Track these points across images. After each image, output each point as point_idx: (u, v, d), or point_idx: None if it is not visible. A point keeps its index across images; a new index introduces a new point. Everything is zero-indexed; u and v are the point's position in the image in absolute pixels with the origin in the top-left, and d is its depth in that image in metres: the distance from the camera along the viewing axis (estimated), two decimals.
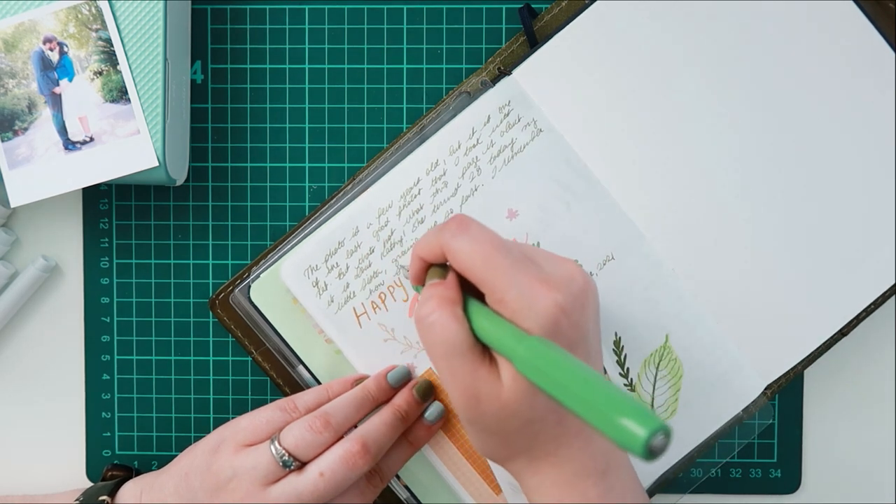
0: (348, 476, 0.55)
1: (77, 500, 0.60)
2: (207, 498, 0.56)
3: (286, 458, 0.55)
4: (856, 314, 0.63)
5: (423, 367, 0.60)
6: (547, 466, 0.51)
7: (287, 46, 0.65)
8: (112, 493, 0.60)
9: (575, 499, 0.51)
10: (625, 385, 0.61)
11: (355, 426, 0.58)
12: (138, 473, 0.64)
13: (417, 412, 0.59)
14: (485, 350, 0.50)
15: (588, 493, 0.51)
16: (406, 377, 0.60)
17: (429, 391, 0.60)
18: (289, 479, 0.55)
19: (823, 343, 0.63)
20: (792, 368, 0.63)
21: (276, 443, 0.56)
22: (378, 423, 0.57)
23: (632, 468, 0.53)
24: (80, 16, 0.59)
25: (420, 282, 0.55)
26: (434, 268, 0.53)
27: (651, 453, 0.41)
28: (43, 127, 0.59)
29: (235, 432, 0.57)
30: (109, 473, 0.65)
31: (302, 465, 0.56)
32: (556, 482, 0.51)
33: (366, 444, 0.56)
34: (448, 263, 0.53)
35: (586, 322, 0.50)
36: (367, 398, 0.58)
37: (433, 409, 0.60)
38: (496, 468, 0.60)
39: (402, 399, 0.59)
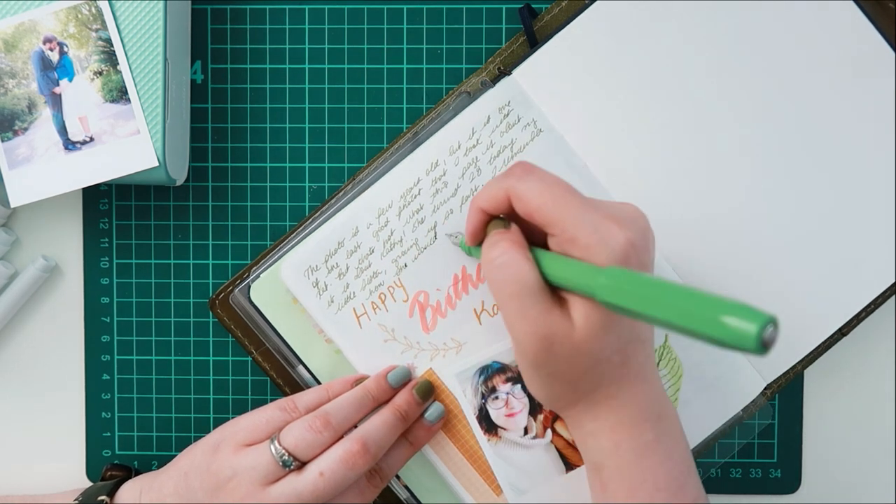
0: (348, 476, 0.55)
1: (76, 499, 0.60)
2: (207, 498, 0.56)
3: (286, 457, 0.55)
4: (855, 313, 0.63)
5: (423, 367, 0.60)
6: (606, 411, 0.53)
7: (287, 46, 0.65)
8: (111, 492, 0.60)
9: (632, 442, 0.52)
10: None
11: (355, 426, 0.58)
12: (138, 473, 0.64)
13: (417, 412, 0.59)
14: (554, 292, 0.51)
15: (645, 436, 0.52)
16: (406, 377, 0.60)
17: (429, 391, 0.60)
18: (288, 479, 0.55)
19: (823, 343, 0.63)
20: (791, 368, 0.63)
21: (276, 442, 0.56)
22: (378, 424, 0.57)
23: (679, 419, 0.55)
24: (80, 16, 0.59)
25: (478, 238, 0.55)
26: (494, 220, 0.54)
27: (764, 346, 0.41)
28: (43, 127, 0.59)
29: (235, 432, 0.57)
30: (109, 473, 0.65)
31: (302, 464, 0.56)
32: (615, 426, 0.53)
33: (366, 443, 0.56)
34: (500, 216, 0.54)
35: (649, 260, 0.52)
36: (367, 398, 0.58)
37: (433, 410, 0.60)
38: (497, 468, 0.60)
39: (402, 399, 0.59)
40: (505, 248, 0.51)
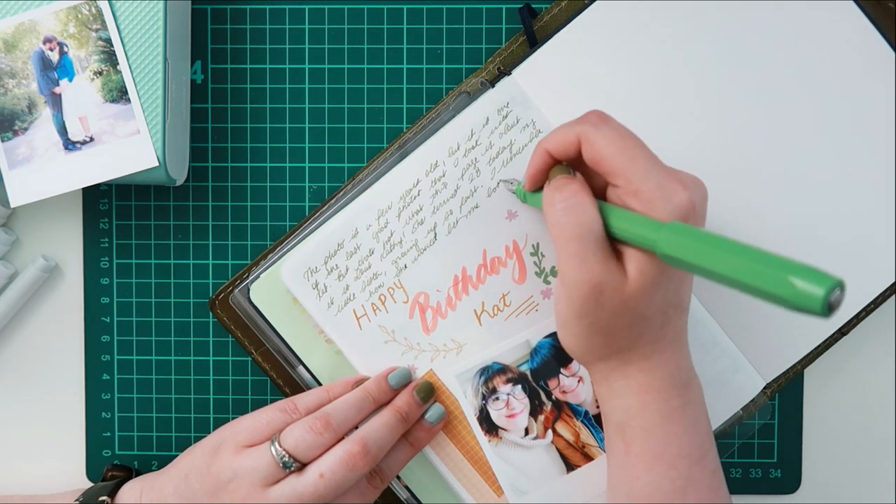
0: (348, 477, 0.55)
1: (77, 500, 0.60)
2: (207, 499, 0.56)
3: (286, 459, 0.55)
4: (855, 313, 0.63)
5: (423, 367, 0.60)
6: (636, 371, 0.53)
7: (287, 46, 0.65)
8: (112, 493, 0.60)
9: (659, 404, 0.53)
10: None
11: (356, 427, 0.58)
12: (138, 474, 0.64)
13: (418, 413, 0.59)
14: (612, 246, 0.51)
15: (672, 402, 0.53)
16: (407, 379, 0.60)
17: (430, 392, 0.60)
18: (289, 480, 0.55)
19: (823, 342, 0.63)
20: (791, 367, 0.63)
21: (277, 444, 0.56)
22: (379, 425, 0.57)
23: (703, 393, 0.55)
24: (80, 16, 0.59)
25: (539, 181, 0.55)
26: (557, 166, 0.54)
27: (829, 309, 0.41)
28: (43, 127, 0.59)
29: (235, 433, 0.57)
30: (109, 474, 0.65)
31: (302, 465, 0.56)
32: (643, 387, 0.53)
33: (366, 445, 0.56)
34: (562, 163, 0.54)
35: (703, 223, 0.52)
36: (367, 399, 0.58)
37: (434, 411, 0.60)
38: (498, 469, 0.60)
39: (402, 400, 0.59)
40: (574, 189, 0.51)
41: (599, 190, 0.53)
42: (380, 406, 0.59)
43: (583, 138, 0.52)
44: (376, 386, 0.59)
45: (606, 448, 0.56)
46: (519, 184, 0.59)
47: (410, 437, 0.60)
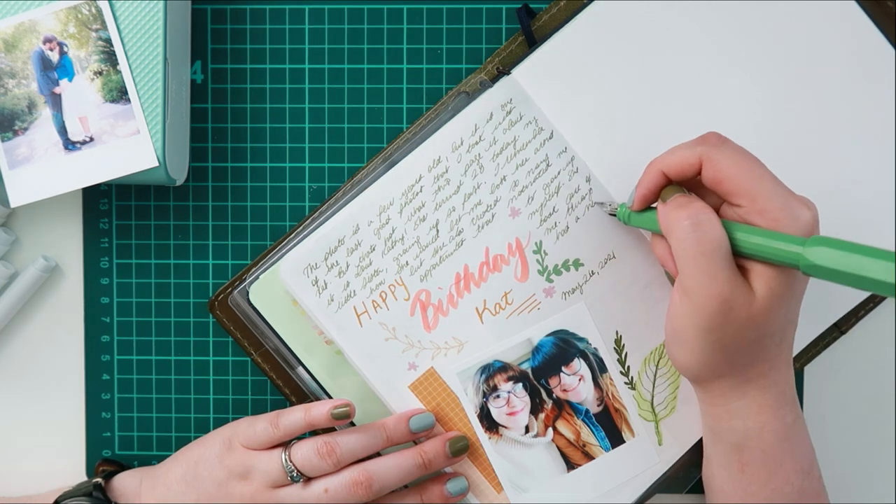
0: (348, 499, 0.57)
1: (66, 490, 0.61)
2: (212, 488, 0.57)
3: (294, 473, 0.57)
4: (852, 308, 0.63)
5: (424, 366, 0.60)
6: (754, 389, 0.54)
7: (287, 46, 0.65)
8: (106, 480, 0.61)
9: (776, 424, 0.55)
10: (625, 384, 0.61)
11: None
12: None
13: (441, 465, 0.59)
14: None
15: (786, 419, 0.55)
16: (429, 426, 0.59)
17: (462, 449, 0.60)
18: (295, 487, 0.57)
19: (821, 339, 0.63)
20: None
21: (287, 456, 0.57)
22: (392, 464, 0.58)
23: None
24: (80, 16, 0.59)
25: (650, 201, 0.56)
26: (670, 186, 0.54)
27: None
28: (43, 127, 0.59)
29: (248, 437, 0.58)
30: (101, 469, 0.65)
31: (308, 479, 0.57)
32: (761, 406, 0.55)
33: (371, 478, 0.57)
34: (675, 184, 0.54)
35: None
36: (380, 437, 0.58)
37: (457, 484, 0.60)
38: (498, 466, 0.60)
39: (431, 446, 0.59)
40: (700, 206, 0.52)
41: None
42: (392, 445, 0.59)
43: (705, 159, 0.52)
44: (394, 425, 0.59)
45: (717, 463, 0.58)
46: (622, 205, 0.59)
47: (424, 495, 0.60)
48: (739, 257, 0.51)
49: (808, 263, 0.48)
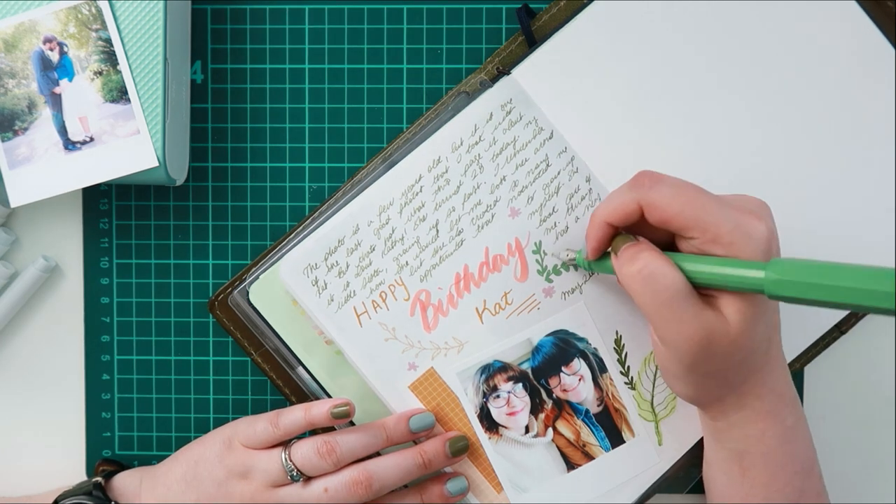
0: (348, 499, 0.57)
1: (67, 490, 0.61)
2: (212, 487, 0.57)
3: (294, 473, 0.57)
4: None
5: (424, 366, 0.60)
6: (752, 399, 0.54)
7: (287, 46, 0.65)
8: (105, 480, 0.61)
9: (776, 427, 0.54)
10: (625, 384, 0.61)
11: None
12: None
13: (441, 465, 0.59)
14: (699, 294, 0.51)
15: (786, 421, 0.55)
16: (428, 426, 0.59)
17: (462, 449, 0.60)
18: (295, 486, 0.57)
19: (821, 340, 0.63)
20: (790, 365, 0.63)
21: (287, 455, 0.57)
22: (392, 464, 0.58)
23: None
24: (80, 16, 0.59)
25: (602, 250, 0.55)
26: (620, 236, 0.54)
27: None
28: (43, 127, 0.59)
29: (248, 436, 0.58)
30: (101, 469, 0.65)
31: (308, 478, 0.57)
32: (760, 413, 0.54)
33: (370, 478, 0.57)
34: (622, 232, 0.54)
35: (779, 243, 0.52)
36: (380, 437, 0.58)
37: (457, 484, 0.60)
38: (498, 466, 0.60)
39: (431, 446, 0.59)
40: (648, 258, 0.51)
41: (664, 243, 0.53)
42: (392, 444, 0.59)
43: (644, 203, 0.51)
44: (394, 425, 0.59)
45: (718, 468, 0.58)
46: (579, 253, 0.59)
47: (424, 495, 0.60)
48: (704, 288, 0.51)
49: (771, 293, 0.47)
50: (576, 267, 0.60)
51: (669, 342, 0.51)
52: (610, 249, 0.54)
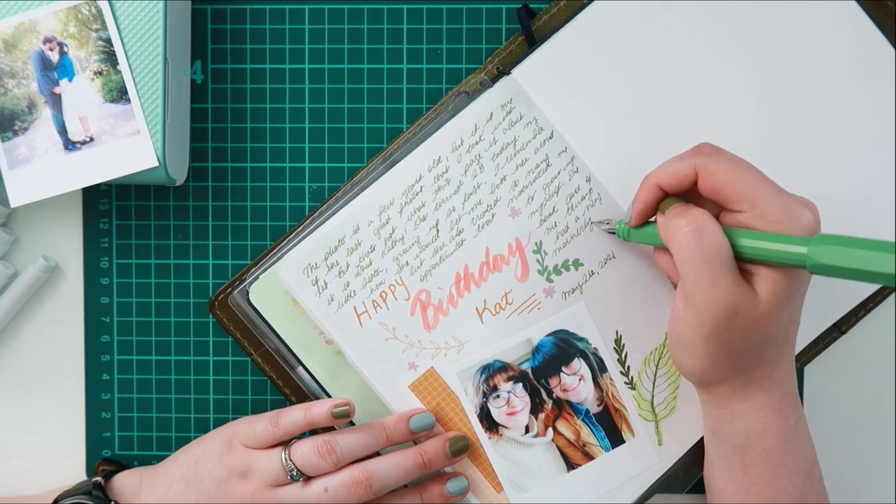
0: (348, 499, 0.57)
1: (66, 490, 0.61)
2: (212, 487, 0.57)
3: (294, 473, 0.57)
4: (852, 308, 0.63)
5: (424, 365, 0.60)
6: (757, 391, 0.54)
7: (287, 46, 0.65)
8: (105, 479, 0.61)
9: (779, 425, 0.55)
10: (626, 384, 0.61)
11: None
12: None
13: (441, 465, 0.59)
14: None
15: (788, 419, 0.55)
16: (428, 426, 0.59)
17: (462, 449, 0.60)
18: (295, 486, 0.57)
19: (821, 339, 0.63)
20: None
21: (287, 455, 0.57)
22: (392, 464, 0.58)
23: None
24: (80, 16, 0.59)
25: (648, 214, 0.56)
26: (670, 198, 0.55)
27: None
28: (43, 127, 0.59)
29: (249, 436, 0.58)
30: (101, 468, 0.65)
31: (308, 478, 0.57)
32: (765, 407, 0.55)
33: (370, 478, 0.57)
34: (671, 196, 0.54)
35: None
36: (380, 436, 0.58)
37: (457, 484, 0.60)
38: (498, 466, 0.60)
39: (430, 446, 0.59)
40: (699, 214, 0.51)
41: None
42: (392, 444, 0.59)
43: (700, 170, 0.52)
44: (394, 424, 0.59)
45: (719, 465, 0.58)
46: (620, 222, 0.59)
47: (424, 495, 0.60)
48: (742, 262, 0.51)
49: (815, 262, 0.48)
50: (615, 234, 0.60)
51: (697, 303, 0.51)
52: (658, 213, 0.55)
